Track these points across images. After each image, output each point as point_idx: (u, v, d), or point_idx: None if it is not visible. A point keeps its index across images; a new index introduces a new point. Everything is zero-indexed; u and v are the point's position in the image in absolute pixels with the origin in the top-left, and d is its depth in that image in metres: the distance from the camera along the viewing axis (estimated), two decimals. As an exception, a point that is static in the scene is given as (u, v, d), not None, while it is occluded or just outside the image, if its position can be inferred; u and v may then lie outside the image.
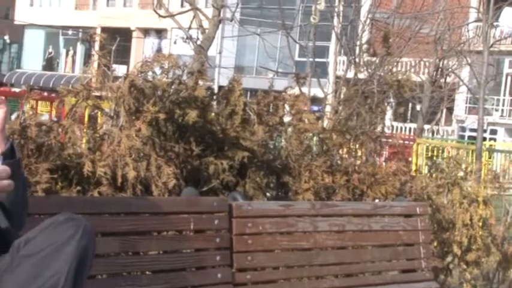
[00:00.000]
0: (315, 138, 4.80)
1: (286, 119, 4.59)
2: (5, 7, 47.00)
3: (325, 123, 5.05)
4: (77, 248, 1.81)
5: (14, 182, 1.79)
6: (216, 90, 4.75)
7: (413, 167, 8.20)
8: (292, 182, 4.18)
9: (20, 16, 41.89)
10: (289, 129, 4.49)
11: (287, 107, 4.56)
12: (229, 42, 24.95)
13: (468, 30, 16.57)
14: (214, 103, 4.42)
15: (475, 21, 17.30)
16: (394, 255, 3.62)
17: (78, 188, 3.50)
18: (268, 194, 4.18)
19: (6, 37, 43.48)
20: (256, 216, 3.06)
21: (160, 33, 38.02)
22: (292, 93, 4.64)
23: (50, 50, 43.93)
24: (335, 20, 8.26)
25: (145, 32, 39.57)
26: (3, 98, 1.83)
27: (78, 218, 1.88)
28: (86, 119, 4.79)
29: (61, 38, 43.59)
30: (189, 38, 7.75)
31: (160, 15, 8.44)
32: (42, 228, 1.85)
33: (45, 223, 1.87)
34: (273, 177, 4.25)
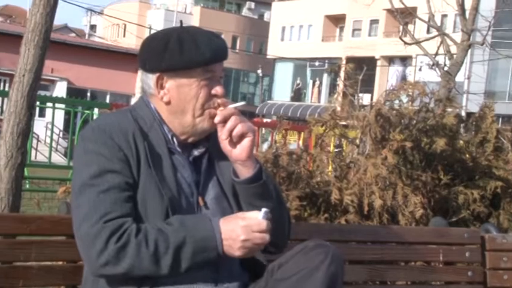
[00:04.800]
0: None
1: (546, 146, 4.25)
2: (260, 43, 50.46)
3: None
4: (326, 274, 1.84)
5: (267, 203, 1.91)
6: (464, 117, 4.57)
7: None
8: (554, 215, 3.84)
9: (272, 51, 44.59)
10: (549, 158, 4.15)
11: (546, 134, 4.23)
12: (479, 67, 23.86)
13: None
14: (462, 130, 4.26)
15: None
16: None
17: (326, 215, 3.59)
18: (525, 228, 3.89)
19: (259, 71, 46.53)
20: (512, 250, 2.86)
21: (404, 60, 37.75)
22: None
23: (298, 81, 45.98)
24: None
25: (390, 60, 39.59)
26: (254, 128, 1.95)
27: (327, 245, 1.92)
28: (332, 147, 4.90)
29: (308, 70, 45.43)
30: (436, 64, 7.57)
31: (406, 43, 8.38)
32: (294, 254, 1.91)
33: (296, 249, 1.92)
34: (531, 209, 3.94)
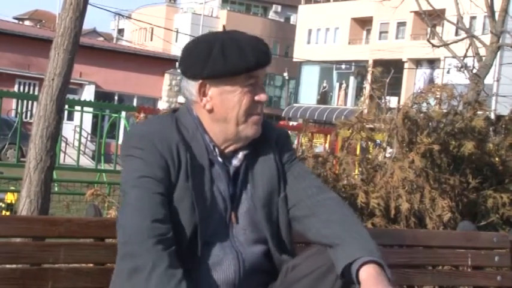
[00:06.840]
0: None
1: None
2: (285, 46, 50.47)
3: None
4: (339, 275, 1.82)
5: None
6: (493, 120, 4.51)
7: None
8: None
9: (298, 54, 44.54)
10: None
11: None
12: (508, 69, 23.57)
13: None
14: (492, 133, 4.21)
15: None
16: None
17: (353, 218, 3.56)
18: (556, 232, 3.83)
19: (285, 74, 46.53)
20: (542, 255, 2.81)
21: (432, 63, 37.44)
22: None
23: (324, 84, 45.86)
24: None
25: (417, 62, 39.29)
26: None
27: None
28: (358, 150, 4.88)
29: (334, 73, 45.28)
30: (464, 66, 7.49)
31: (433, 45, 8.30)
32: (308, 256, 1.91)
33: (312, 250, 1.93)
34: (561, 213, 3.88)
